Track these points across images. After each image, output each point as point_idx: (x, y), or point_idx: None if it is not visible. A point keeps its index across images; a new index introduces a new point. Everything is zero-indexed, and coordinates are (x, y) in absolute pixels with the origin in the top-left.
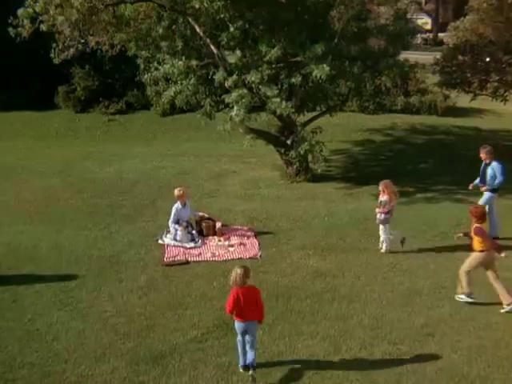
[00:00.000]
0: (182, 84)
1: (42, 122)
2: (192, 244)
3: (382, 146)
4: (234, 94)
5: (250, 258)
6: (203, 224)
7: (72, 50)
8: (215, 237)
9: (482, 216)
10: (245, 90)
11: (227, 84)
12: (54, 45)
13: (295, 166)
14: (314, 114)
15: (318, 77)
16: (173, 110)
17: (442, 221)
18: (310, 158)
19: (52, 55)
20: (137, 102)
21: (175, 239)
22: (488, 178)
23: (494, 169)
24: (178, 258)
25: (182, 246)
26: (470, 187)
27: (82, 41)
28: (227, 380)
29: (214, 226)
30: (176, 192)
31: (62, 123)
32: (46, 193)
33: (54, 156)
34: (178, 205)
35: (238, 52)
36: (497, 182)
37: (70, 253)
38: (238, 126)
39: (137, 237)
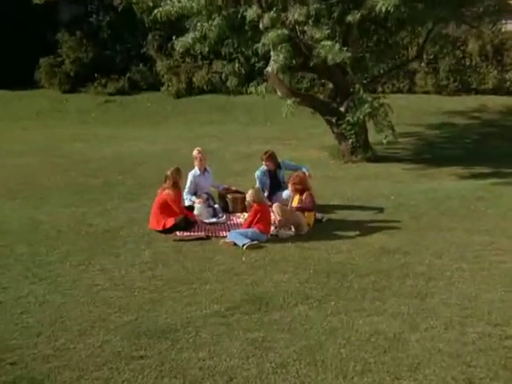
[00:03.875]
0: (203, 27)
1: (18, 102)
2: (214, 219)
3: (466, 130)
4: (272, 34)
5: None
6: (229, 196)
7: None
8: (244, 213)
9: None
10: (285, 31)
11: (262, 24)
12: None
13: (351, 141)
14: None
15: (384, 10)
16: (190, 91)
17: None
18: (369, 131)
19: None
20: (143, 81)
21: None
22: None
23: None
24: (196, 233)
25: (202, 221)
26: None
27: None
28: (261, 356)
29: (243, 200)
30: (194, 153)
31: (45, 104)
32: (23, 171)
33: (32, 137)
34: (195, 171)
35: None
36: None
37: (49, 228)
38: (276, 87)
39: (140, 214)
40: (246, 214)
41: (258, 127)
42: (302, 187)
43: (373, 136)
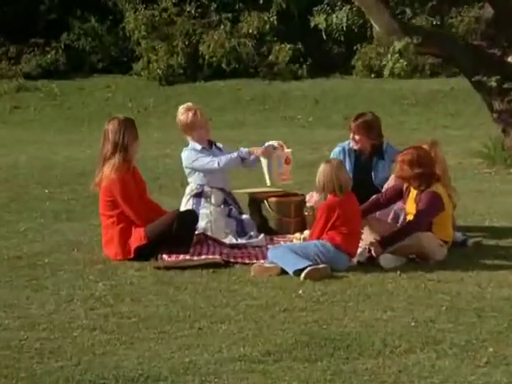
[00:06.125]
0: None
1: None
2: (241, 240)
3: None
4: None
5: None
6: (271, 200)
7: None
8: (305, 232)
9: None
10: None
11: None
12: None
13: None
14: None
15: None
16: (195, 71)
17: None
18: None
19: None
20: (98, 51)
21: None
22: None
23: None
24: (201, 257)
25: (216, 241)
26: None
27: None
28: None
29: (302, 205)
30: (183, 117)
31: None
32: None
33: None
34: (192, 146)
35: None
36: None
37: None
38: (371, 12)
39: (86, 235)
40: (306, 233)
41: (333, 130)
42: (422, 171)
43: None
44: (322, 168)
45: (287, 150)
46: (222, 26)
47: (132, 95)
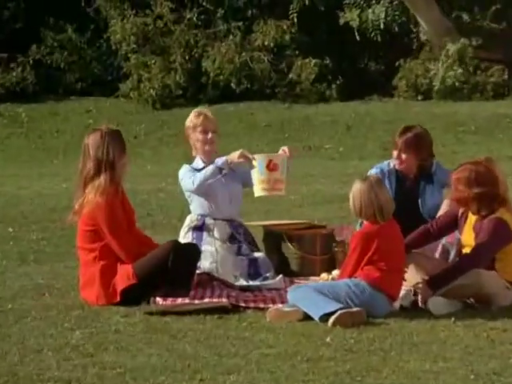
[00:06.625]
0: None
1: None
2: (255, 282)
3: None
4: None
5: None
6: (291, 234)
7: None
8: (334, 272)
9: None
10: None
11: None
12: None
13: None
14: None
15: None
16: (196, 92)
17: None
18: None
19: None
20: (76, 69)
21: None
22: None
23: None
24: (204, 301)
25: (222, 282)
26: None
27: None
28: None
29: (329, 239)
30: (190, 123)
31: None
32: None
33: None
34: (197, 162)
35: None
36: None
37: None
38: (417, 5)
39: (60, 279)
40: (335, 273)
41: (368, 161)
42: (483, 191)
43: None
44: (358, 187)
45: (273, 154)
46: (231, 37)
47: (119, 121)
